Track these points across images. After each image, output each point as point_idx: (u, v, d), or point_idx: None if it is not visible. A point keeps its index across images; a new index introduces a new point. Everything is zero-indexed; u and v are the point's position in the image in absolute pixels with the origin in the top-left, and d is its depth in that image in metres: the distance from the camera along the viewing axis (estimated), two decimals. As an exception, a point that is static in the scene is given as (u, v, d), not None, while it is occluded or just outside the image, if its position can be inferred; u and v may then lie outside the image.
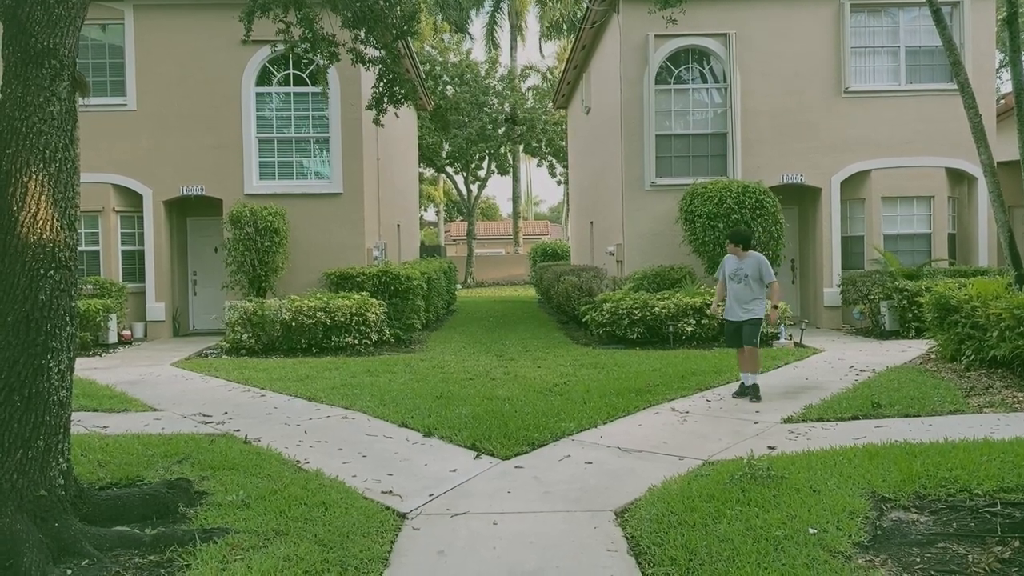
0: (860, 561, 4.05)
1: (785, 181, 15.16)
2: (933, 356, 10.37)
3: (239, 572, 4.00)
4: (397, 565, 4.30)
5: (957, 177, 15.40)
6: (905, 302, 12.94)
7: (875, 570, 3.94)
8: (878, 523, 4.56)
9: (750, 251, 8.58)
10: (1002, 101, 16.50)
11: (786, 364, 10.66)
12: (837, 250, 15.24)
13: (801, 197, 15.99)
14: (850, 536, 4.32)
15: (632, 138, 15.14)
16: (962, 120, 11.04)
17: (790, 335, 12.99)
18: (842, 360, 10.89)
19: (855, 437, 6.52)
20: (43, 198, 4.44)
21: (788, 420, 7.44)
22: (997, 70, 20.90)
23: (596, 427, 7.33)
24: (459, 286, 28.66)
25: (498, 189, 76.09)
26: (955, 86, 10.74)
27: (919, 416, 7.37)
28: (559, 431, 7.11)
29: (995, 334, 8.83)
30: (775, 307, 8.57)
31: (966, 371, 9.21)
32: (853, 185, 15.29)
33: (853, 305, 14.36)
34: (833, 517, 4.56)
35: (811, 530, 4.40)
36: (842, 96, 15.16)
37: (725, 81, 15.15)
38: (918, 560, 4.07)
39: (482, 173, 39.58)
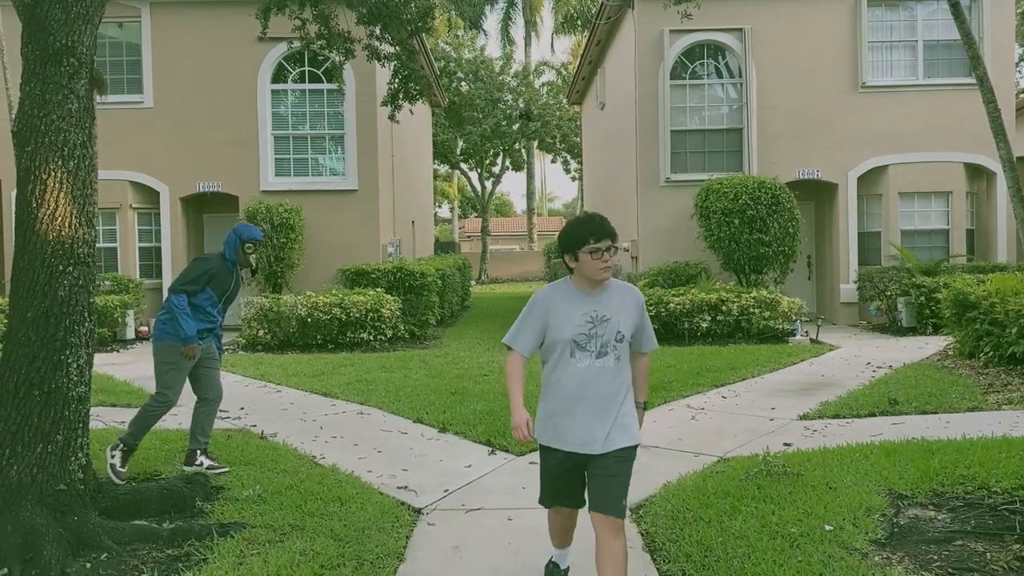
0: (877, 558, 4.03)
1: (801, 177, 15.06)
2: (951, 353, 10.28)
3: (256, 566, 4.03)
4: (412, 560, 4.31)
5: (975, 172, 15.26)
6: (922, 298, 12.84)
7: (892, 567, 3.92)
8: (895, 520, 4.53)
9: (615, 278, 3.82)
10: (1022, 95, 16.34)
11: (802, 361, 10.60)
12: (854, 246, 15.14)
13: (817, 193, 15.89)
14: (867, 533, 4.30)
15: (647, 134, 15.09)
16: (980, 115, 10.91)
17: (806, 331, 12.94)
18: (859, 357, 10.82)
19: (872, 434, 6.49)
20: (62, 195, 4.48)
21: (804, 417, 7.41)
22: (1016, 64, 20.67)
23: (611, 423, 7.31)
24: (473, 282, 28.68)
25: (512, 185, 76.34)
26: (973, 80, 10.63)
27: (936, 413, 7.31)
28: (574, 427, 7.10)
29: (1014, 331, 8.75)
30: (642, 406, 3.76)
31: (984, 368, 9.13)
32: (870, 181, 15.17)
33: (870, 301, 14.26)
34: (849, 514, 4.54)
35: (827, 527, 4.38)
36: (859, 91, 15.04)
37: (740, 76, 15.07)
38: (935, 558, 4.05)
39: (496, 169, 39.56)
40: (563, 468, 3.60)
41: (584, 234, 3.44)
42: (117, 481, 5.33)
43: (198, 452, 5.84)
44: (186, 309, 5.66)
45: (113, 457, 5.50)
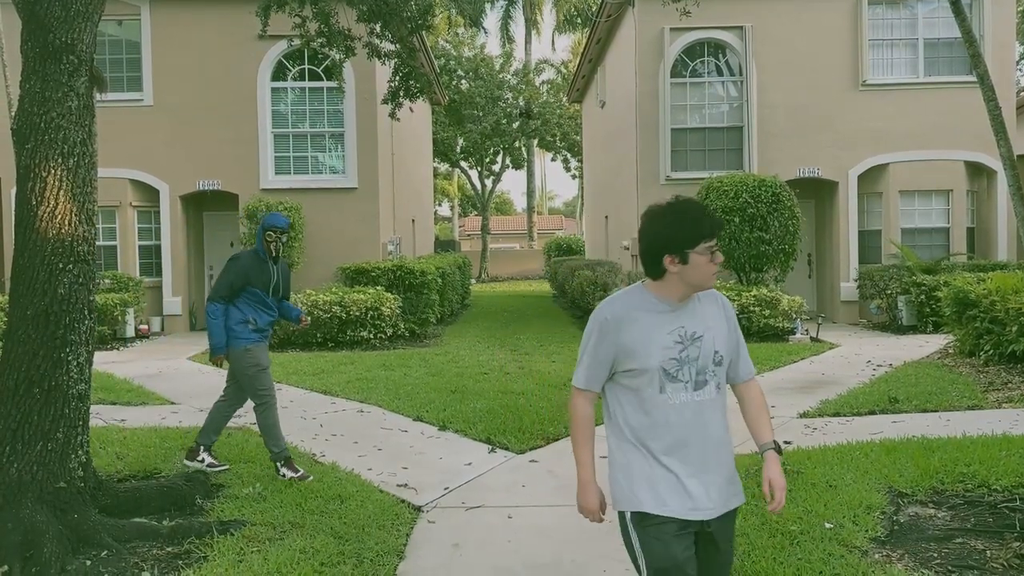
0: (877, 556, 4.03)
1: (801, 175, 15.05)
2: (951, 351, 10.28)
3: (256, 564, 4.03)
4: (413, 558, 4.31)
5: (976, 170, 15.25)
6: (923, 297, 12.84)
7: (892, 565, 3.92)
8: (895, 518, 4.53)
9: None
10: (1022, 93, 16.33)
11: (802, 359, 10.60)
12: (854, 244, 15.13)
13: (818, 191, 15.88)
14: (866, 531, 4.30)
15: (647, 132, 15.09)
16: (981, 113, 10.91)
17: (806, 330, 12.93)
18: (859, 355, 10.82)
19: (872, 432, 6.48)
20: (62, 193, 4.48)
21: (804, 415, 7.40)
22: (1017, 62, 20.67)
23: (611, 421, 7.31)
24: (473, 281, 28.68)
25: (512, 184, 76.16)
26: (974, 78, 10.61)
27: (936, 411, 7.31)
28: (574, 425, 7.10)
29: (1014, 329, 8.75)
30: (775, 448, 2.78)
31: (984, 366, 9.13)
32: (870, 179, 15.16)
33: (870, 300, 14.26)
34: (849, 512, 4.54)
35: (827, 525, 4.38)
36: (859, 89, 15.03)
37: (741, 74, 15.06)
38: (935, 555, 4.05)
39: (496, 168, 39.54)
40: (680, 544, 2.58)
41: (701, 229, 2.59)
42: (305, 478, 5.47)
43: (203, 449, 5.81)
44: (218, 317, 5.60)
45: (285, 475, 5.52)
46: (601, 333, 2.66)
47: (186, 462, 5.77)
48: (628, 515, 2.64)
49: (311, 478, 5.49)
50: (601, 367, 2.67)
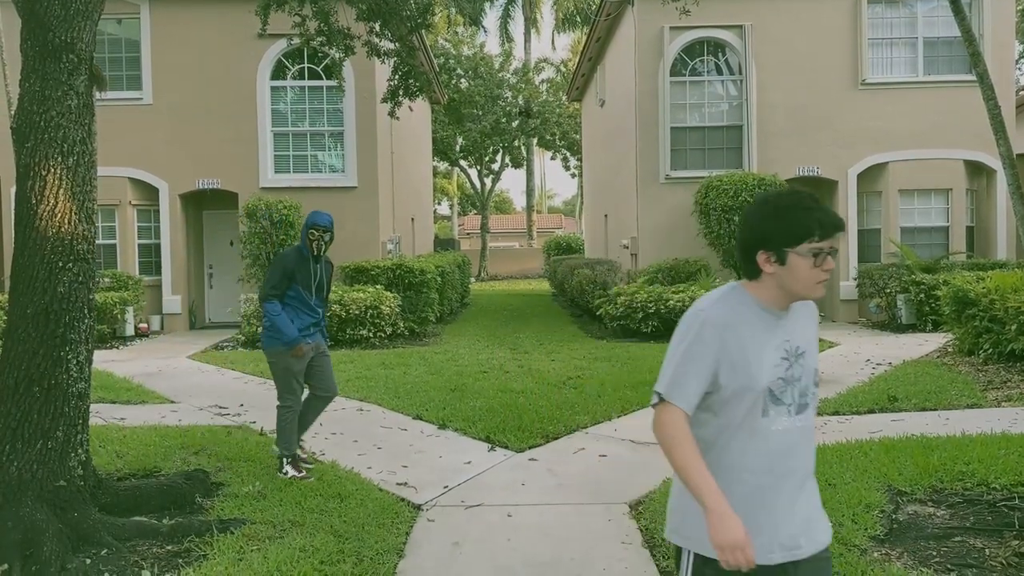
0: (876, 554, 4.04)
1: (801, 174, 15.05)
2: (950, 350, 10.29)
3: (256, 562, 4.04)
4: (412, 556, 4.31)
5: (975, 169, 15.25)
6: (922, 295, 12.84)
7: (891, 563, 3.92)
8: (894, 517, 4.54)
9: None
10: (1022, 92, 16.33)
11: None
12: (853, 243, 15.14)
13: (817, 190, 15.86)
14: (866, 529, 4.30)
15: (647, 131, 15.09)
16: (981, 112, 10.91)
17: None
18: (858, 353, 10.82)
19: (871, 431, 6.49)
20: (61, 191, 4.48)
21: (803, 414, 7.40)
22: (1017, 61, 20.67)
23: (610, 420, 7.33)
24: (473, 279, 28.69)
25: (512, 183, 76.12)
26: (974, 77, 10.62)
27: (936, 410, 7.32)
28: (573, 424, 7.12)
29: (1014, 328, 8.75)
30: None
31: (984, 365, 9.14)
32: (870, 178, 15.17)
33: (869, 298, 14.26)
34: (849, 510, 4.54)
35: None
36: (859, 88, 15.03)
37: (741, 73, 15.06)
38: (934, 554, 4.06)
39: (496, 167, 39.52)
40: None
41: (807, 225, 2.17)
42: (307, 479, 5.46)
43: (284, 460, 5.66)
44: (279, 313, 5.59)
45: (287, 473, 5.51)
46: (701, 338, 2.19)
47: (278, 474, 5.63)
48: (692, 555, 2.24)
49: (312, 479, 5.49)
50: (697, 380, 2.19)
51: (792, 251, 2.16)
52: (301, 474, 5.54)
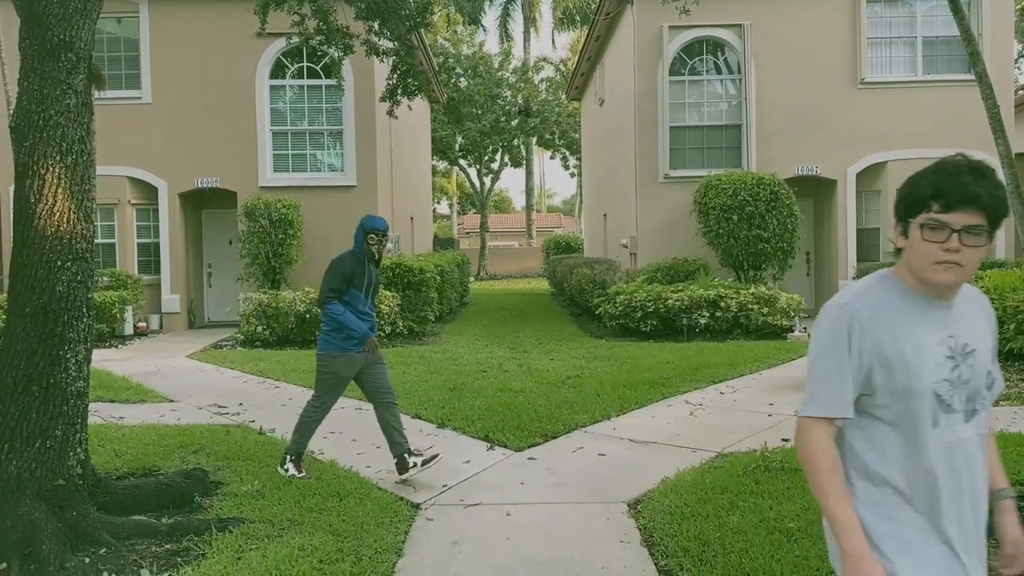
0: (874, 553, 4.04)
1: (800, 173, 15.06)
2: (949, 349, 10.29)
3: (254, 561, 4.04)
4: (411, 555, 4.32)
5: (974, 169, 15.24)
6: (921, 295, 12.83)
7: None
8: (892, 516, 4.54)
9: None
10: (1020, 92, 16.34)
11: (800, 357, 10.60)
12: (852, 242, 15.15)
13: (816, 189, 15.89)
14: (864, 528, 4.30)
15: (646, 130, 15.09)
16: (980, 111, 10.93)
17: (805, 328, 12.94)
18: (857, 353, 10.82)
19: (870, 430, 6.48)
20: (60, 190, 4.48)
21: (802, 413, 7.40)
22: (1016, 60, 20.68)
23: (609, 419, 7.33)
24: (472, 279, 28.69)
25: (511, 182, 76.04)
26: (972, 77, 10.63)
27: (934, 409, 7.31)
28: (572, 423, 7.12)
29: (1012, 327, 8.77)
30: (1013, 497, 2.21)
31: (982, 364, 9.14)
32: (869, 177, 15.17)
33: (868, 298, 14.25)
34: (847, 509, 4.54)
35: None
36: (858, 87, 15.04)
37: (740, 72, 15.06)
38: (932, 553, 4.05)
39: (495, 166, 39.54)
40: None
41: (926, 191, 1.86)
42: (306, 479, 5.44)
43: (406, 455, 5.62)
44: (343, 311, 5.59)
45: (288, 470, 5.51)
46: (847, 333, 1.91)
47: (400, 476, 5.58)
48: None
49: (311, 479, 5.49)
50: (842, 386, 1.90)
51: (913, 221, 1.89)
52: (301, 474, 5.54)
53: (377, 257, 5.85)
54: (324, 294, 5.68)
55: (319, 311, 5.88)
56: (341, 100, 15.00)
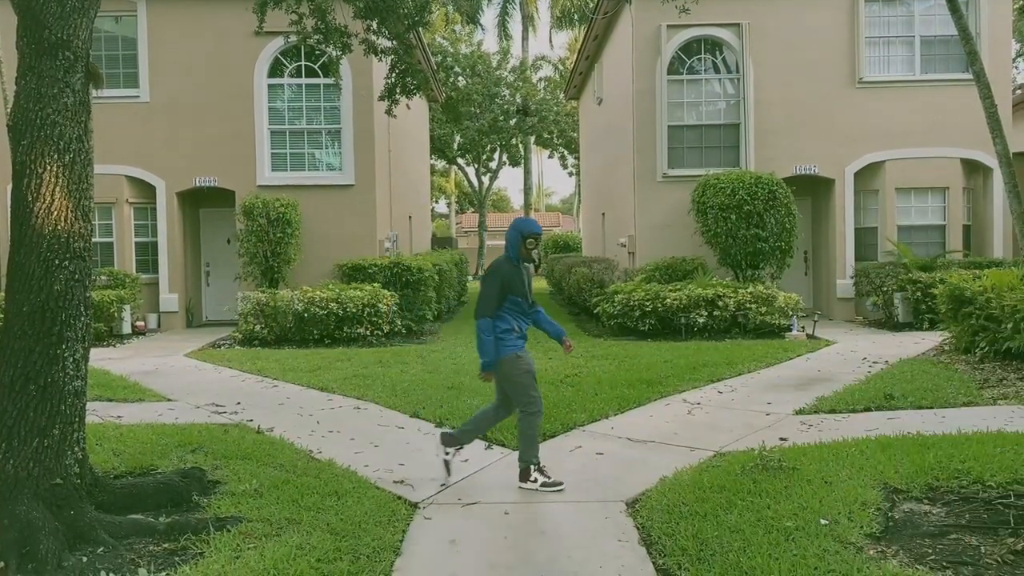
0: (871, 552, 4.05)
1: (798, 172, 15.06)
2: (947, 348, 10.30)
3: (252, 560, 4.03)
4: (409, 554, 4.32)
5: (972, 168, 15.27)
6: (919, 294, 12.86)
7: (887, 561, 3.93)
8: (890, 514, 4.55)
9: None
10: (1018, 91, 16.36)
11: (798, 356, 10.61)
12: (850, 241, 15.16)
13: (814, 188, 15.89)
14: (862, 527, 4.31)
15: (644, 129, 15.09)
16: (978, 110, 10.94)
17: (802, 327, 12.95)
18: (855, 352, 10.84)
19: (867, 429, 6.50)
20: (58, 189, 4.47)
21: (800, 412, 7.42)
22: (1014, 60, 20.70)
23: (607, 418, 7.34)
24: (471, 277, 28.67)
25: (509, 181, 75.86)
26: (971, 76, 10.63)
27: (932, 408, 7.33)
28: (570, 422, 7.12)
29: (1010, 326, 8.77)
30: None
31: (980, 363, 9.15)
32: (867, 176, 15.18)
33: (866, 297, 14.28)
34: (845, 508, 4.55)
35: (823, 521, 4.39)
36: (856, 86, 15.04)
37: (738, 71, 15.06)
38: (930, 551, 4.06)
39: (493, 165, 39.53)
40: None
41: None
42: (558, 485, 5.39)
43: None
44: (490, 335, 5.55)
45: (536, 480, 5.41)
46: None
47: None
48: None
49: (563, 488, 5.36)
50: None
51: None
52: (551, 479, 5.42)
53: (537, 261, 5.82)
54: (480, 310, 5.63)
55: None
56: (339, 99, 14.98)
